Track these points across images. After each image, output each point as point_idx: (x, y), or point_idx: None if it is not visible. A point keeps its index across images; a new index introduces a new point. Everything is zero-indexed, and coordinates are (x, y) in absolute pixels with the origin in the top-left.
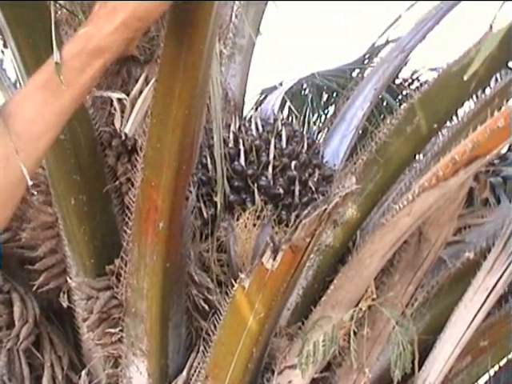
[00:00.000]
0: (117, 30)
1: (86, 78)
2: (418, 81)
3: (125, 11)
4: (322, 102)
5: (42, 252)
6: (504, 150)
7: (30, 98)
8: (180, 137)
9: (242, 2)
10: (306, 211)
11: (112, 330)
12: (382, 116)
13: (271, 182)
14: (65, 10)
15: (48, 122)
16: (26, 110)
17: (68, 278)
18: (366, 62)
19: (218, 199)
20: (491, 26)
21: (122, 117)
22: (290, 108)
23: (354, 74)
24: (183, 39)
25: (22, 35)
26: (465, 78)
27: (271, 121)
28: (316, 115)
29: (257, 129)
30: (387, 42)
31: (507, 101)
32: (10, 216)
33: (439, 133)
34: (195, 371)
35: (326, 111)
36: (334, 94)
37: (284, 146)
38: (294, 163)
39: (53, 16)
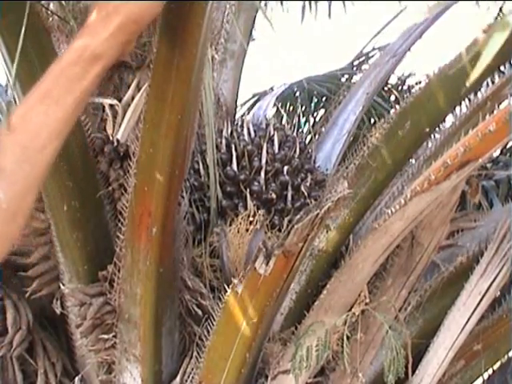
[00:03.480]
0: (112, 35)
1: (85, 85)
2: (408, 86)
3: (120, 15)
4: (313, 107)
5: (35, 258)
6: (496, 154)
7: (32, 110)
8: (173, 141)
9: (233, 7)
10: (298, 216)
11: (105, 336)
12: (373, 120)
13: (263, 187)
14: (56, 17)
15: (52, 132)
16: (29, 123)
17: (61, 285)
18: (356, 67)
19: (211, 204)
20: (484, 30)
21: (114, 123)
22: (281, 113)
23: (344, 79)
24: (176, 43)
25: (14, 42)
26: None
27: (263, 126)
28: (307, 120)
29: (249, 134)
30: (377, 48)
31: (499, 104)
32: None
33: (431, 137)
34: (189, 377)
35: (316, 116)
36: (325, 99)
37: (276, 150)
38: (286, 168)
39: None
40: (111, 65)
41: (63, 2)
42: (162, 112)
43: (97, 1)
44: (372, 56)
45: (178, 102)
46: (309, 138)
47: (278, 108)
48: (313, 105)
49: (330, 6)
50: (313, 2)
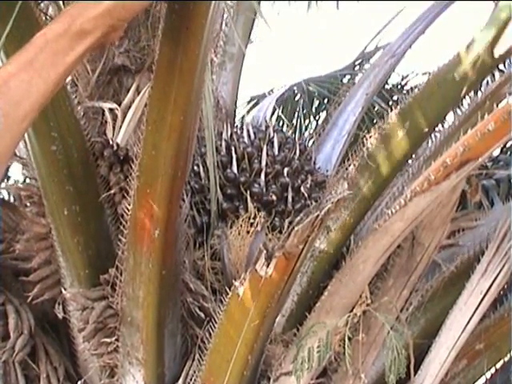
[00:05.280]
0: (101, 15)
1: (69, 61)
2: (407, 85)
3: None
4: (314, 109)
5: (36, 263)
6: (496, 153)
7: (15, 77)
8: (175, 143)
9: (231, 9)
10: (298, 218)
11: (108, 340)
12: (372, 121)
13: (264, 189)
14: None
15: (32, 103)
16: (11, 90)
17: (63, 289)
18: (356, 67)
19: (212, 207)
20: (481, 30)
21: (114, 127)
22: (281, 115)
23: (345, 80)
24: (179, 44)
25: (13, 48)
26: (459, 73)
27: (263, 128)
28: (308, 121)
29: (249, 136)
30: (377, 48)
31: (498, 104)
32: None
33: (431, 137)
34: (191, 379)
35: (317, 117)
36: (326, 100)
37: (276, 152)
38: (286, 170)
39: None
40: (95, 47)
41: (62, 5)
42: (165, 113)
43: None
44: (373, 55)
45: (181, 103)
46: (310, 139)
47: (278, 110)
48: (314, 106)
49: (337, 4)
50: (314, 2)
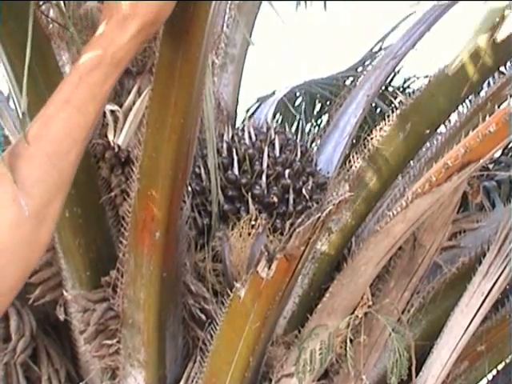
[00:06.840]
0: (133, 38)
1: (107, 88)
2: (410, 87)
3: (138, 18)
4: (315, 111)
5: (38, 265)
6: (498, 154)
7: (53, 118)
8: (176, 145)
9: (233, 11)
10: (300, 219)
11: (109, 342)
12: (374, 123)
13: (265, 191)
14: (56, 24)
15: (75, 138)
16: (51, 130)
17: (64, 291)
18: (358, 69)
19: (213, 209)
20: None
21: (115, 129)
22: (283, 116)
23: (347, 82)
24: (179, 47)
25: (14, 51)
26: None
27: (264, 129)
28: (309, 123)
29: (250, 138)
30: (379, 50)
31: (499, 105)
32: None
33: (432, 138)
34: (192, 381)
35: (319, 119)
36: (327, 102)
37: (277, 154)
38: (287, 171)
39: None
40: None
41: (63, 8)
42: (165, 116)
43: (101, 1)
44: (375, 57)
45: (181, 105)
46: (311, 141)
47: (279, 111)
48: (316, 108)
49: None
50: (315, 3)
